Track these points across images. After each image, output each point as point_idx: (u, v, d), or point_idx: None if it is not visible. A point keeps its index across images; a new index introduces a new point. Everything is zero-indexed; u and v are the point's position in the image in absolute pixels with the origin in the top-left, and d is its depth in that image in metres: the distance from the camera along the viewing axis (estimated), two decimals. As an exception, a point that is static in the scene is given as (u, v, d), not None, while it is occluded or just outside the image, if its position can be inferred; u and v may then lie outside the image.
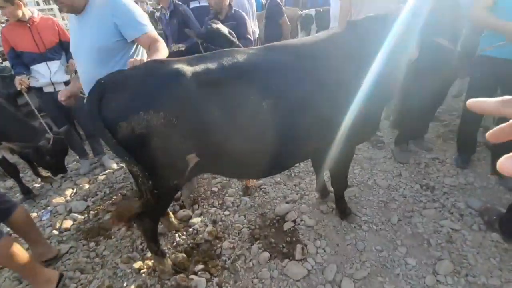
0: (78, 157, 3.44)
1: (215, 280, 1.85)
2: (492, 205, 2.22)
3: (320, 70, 1.53)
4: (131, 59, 1.55)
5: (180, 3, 3.47)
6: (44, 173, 3.16)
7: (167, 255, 1.95)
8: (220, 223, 2.34)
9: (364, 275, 1.80)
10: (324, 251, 2.00)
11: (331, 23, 3.59)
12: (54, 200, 2.82)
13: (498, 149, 2.50)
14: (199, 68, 1.37)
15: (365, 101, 1.54)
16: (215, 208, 2.51)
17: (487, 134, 0.39)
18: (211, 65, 1.39)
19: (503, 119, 0.37)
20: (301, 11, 5.87)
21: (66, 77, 2.96)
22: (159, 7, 3.88)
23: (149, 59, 1.50)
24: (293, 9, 7.24)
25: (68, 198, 2.88)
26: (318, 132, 1.62)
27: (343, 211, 2.22)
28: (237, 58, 1.44)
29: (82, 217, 2.58)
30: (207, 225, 2.32)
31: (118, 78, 1.37)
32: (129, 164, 1.38)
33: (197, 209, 2.52)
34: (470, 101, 0.40)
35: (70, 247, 2.23)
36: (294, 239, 2.12)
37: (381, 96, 1.58)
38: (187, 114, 1.33)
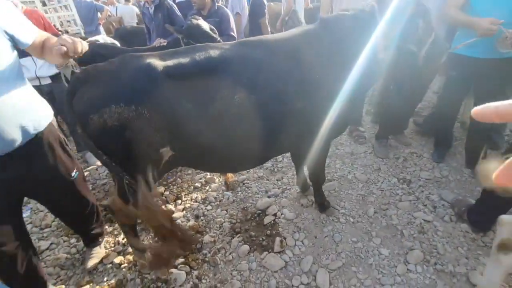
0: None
1: (195, 273, 1.89)
2: (463, 197, 2.32)
3: (291, 65, 1.58)
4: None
5: None
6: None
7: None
8: (202, 217, 2.38)
9: (339, 265, 1.86)
10: (302, 243, 2.06)
11: None
12: (35, 197, 2.79)
13: (472, 141, 2.61)
14: (170, 62, 1.41)
15: (335, 96, 1.60)
16: (198, 203, 2.54)
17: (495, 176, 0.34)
18: (183, 60, 1.43)
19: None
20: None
21: (52, 71, 2.92)
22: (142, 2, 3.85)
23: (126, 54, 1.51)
24: (280, 5, 7.25)
25: (50, 194, 2.85)
26: (291, 126, 1.66)
27: (322, 205, 2.28)
28: (209, 53, 1.47)
29: (64, 213, 2.56)
30: (189, 220, 2.35)
31: (92, 72, 1.40)
32: (99, 158, 1.41)
33: (180, 204, 2.54)
34: (477, 110, 0.35)
35: (51, 244, 2.22)
36: (274, 232, 2.17)
37: (351, 92, 1.64)
38: (158, 107, 1.36)
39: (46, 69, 2.88)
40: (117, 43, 4.18)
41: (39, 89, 2.90)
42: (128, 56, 1.45)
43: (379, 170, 2.80)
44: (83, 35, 6.02)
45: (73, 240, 2.26)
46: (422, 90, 2.94)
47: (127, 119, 1.32)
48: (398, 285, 1.74)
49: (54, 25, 5.46)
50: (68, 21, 6.25)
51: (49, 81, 2.90)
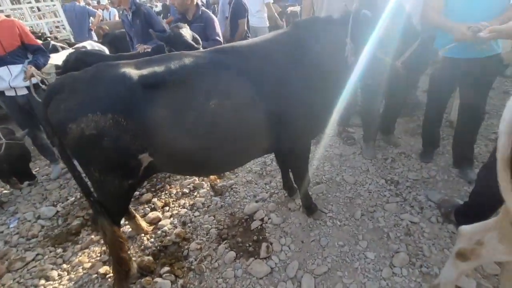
0: (49, 162, 3.38)
1: (180, 281, 1.88)
2: (450, 197, 2.32)
3: (264, 69, 1.60)
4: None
5: (141, 3, 3.43)
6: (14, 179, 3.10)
7: (133, 259, 1.96)
8: (189, 224, 2.37)
9: (324, 270, 1.86)
10: (289, 248, 2.05)
11: None
12: (22, 207, 2.78)
13: (459, 140, 2.61)
14: (145, 71, 1.44)
15: (308, 98, 1.64)
16: (185, 210, 2.53)
17: None
18: (158, 68, 1.46)
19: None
20: (286, 7, 5.92)
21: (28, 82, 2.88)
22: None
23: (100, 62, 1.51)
24: (274, 6, 7.25)
25: (37, 204, 2.83)
26: (268, 128, 1.68)
27: (309, 208, 2.27)
28: (184, 61, 1.50)
29: (51, 223, 2.55)
30: (176, 227, 2.33)
31: (68, 81, 1.44)
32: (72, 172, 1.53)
33: (168, 211, 2.53)
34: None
35: (37, 255, 2.20)
36: (260, 237, 2.16)
37: (324, 92, 1.67)
38: (134, 115, 1.39)
39: (20, 79, 2.78)
40: (106, 49, 4.17)
41: (14, 100, 2.86)
42: (103, 65, 1.48)
43: (368, 171, 2.80)
44: (72, 40, 5.99)
45: (59, 250, 2.24)
46: (404, 91, 2.94)
47: (104, 127, 1.35)
48: (383, 289, 1.74)
49: (43, 33, 5.44)
50: (57, 27, 6.20)
51: (25, 91, 2.83)
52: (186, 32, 2.47)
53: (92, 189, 1.61)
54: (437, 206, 2.27)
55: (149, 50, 2.94)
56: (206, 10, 3.05)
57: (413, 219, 2.18)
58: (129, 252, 2.07)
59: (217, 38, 2.98)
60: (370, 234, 2.11)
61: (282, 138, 1.78)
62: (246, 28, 3.84)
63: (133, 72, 1.42)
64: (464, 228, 1.41)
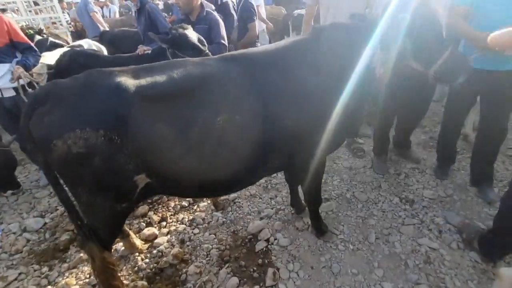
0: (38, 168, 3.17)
1: (177, 312, 1.69)
2: (471, 221, 2.16)
3: (278, 80, 1.43)
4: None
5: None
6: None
7: (125, 282, 1.77)
8: (188, 243, 2.17)
9: (338, 303, 1.68)
10: (298, 275, 1.87)
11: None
12: (7, 217, 2.57)
13: (477, 158, 2.44)
14: (144, 81, 1.25)
15: (328, 111, 1.47)
16: (184, 225, 2.34)
17: None
18: (159, 78, 1.27)
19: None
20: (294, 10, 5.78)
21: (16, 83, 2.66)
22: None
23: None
24: (277, 8, 7.09)
25: (24, 214, 2.63)
26: (281, 145, 1.51)
27: (319, 229, 2.09)
28: (188, 70, 1.32)
29: (37, 236, 2.35)
30: (173, 246, 2.14)
31: (53, 90, 1.24)
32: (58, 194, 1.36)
33: (165, 227, 2.34)
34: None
35: (19, 274, 2.00)
36: (266, 261, 1.97)
37: (346, 106, 1.49)
38: (130, 132, 1.20)
39: (8, 79, 2.54)
40: (103, 48, 3.97)
41: (0, 102, 2.63)
42: (95, 72, 1.28)
43: (380, 188, 2.62)
44: (69, 37, 5.79)
45: (45, 269, 2.04)
46: (428, 102, 2.76)
47: (94, 145, 1.17)
48: (404, 328, 1.56)
49: (40, 28, 5.24)
50: (54, 23, 6.00)
51: (12, 93, 2.61)
52: (191, 33, 2.28)
53: (79, 213, 1.42)
54: (457, 231, 2.10)
55: (149, 52, 2.75)
56: (211, 11, 2.86)
57: (432, 245, 2.01)
58: (121, 274, 1.90)
59: (222, 41, 2.79)
60: (386, 261, 1.93)
61: (297, 154, 1.61)
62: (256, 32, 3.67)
63: (130, 82, 1.23)
64: (506, 271, 1.23)
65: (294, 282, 1.82)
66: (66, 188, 1.38)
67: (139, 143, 1.22)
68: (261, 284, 1.82)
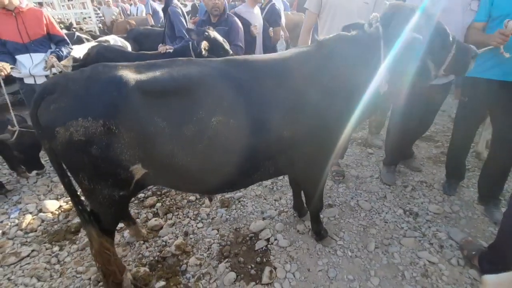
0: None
1: (175, 299, 1.76)
2: (473, 239, 2.13)
3: (278, 91, 1.46)
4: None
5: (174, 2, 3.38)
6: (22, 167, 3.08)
7: (128, 267, 1.86)
8: (191, 235, 2.25)
9: (330, 307, 1.71)
10: (294, 276, 1.90)
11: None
12: (26, 197, 2.74)
13: (488, 177, 2.40)
14: (145, 76, 1.33)
15: (328, 125, 1.51)
16: (188, 219, 2.42)
17: None
18: (160, 74, 1.35)
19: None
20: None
21: (49, 71, 2.88)
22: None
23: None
24: (298, 15, 7.15)
25: (41, 196, 2.79)
26: (279, 153, 1.55)
27: (319, 233, 2.12)
28: (189, 70, 1.39)
29: (52, 217, 2.49)
30: (177, 237, 2.23)
31: (61, 81, 1.33)
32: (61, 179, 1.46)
33: (170, 219, 2.43)
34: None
35: (32, 251, 2.14)
36: (264, 259, 2.02)
37: (342, 120, 1.52)
38: (128, 123, 1.28)
39: (41, 68, 2.79)
40: (128, 45, 4.15)
41: (33, 88, 2.86)
42: (100, 66, 1.37)
43: (385, 198, 2.62)
44: (97, 33, 6.07)
45: (55, 249, 2.17)
46: (431, 115, 2.75)
47: (94, 134, 1.25)
48: (395, 337, 1.57)
49: (70, 23, 5.55)
50: (84, 18, 6.31)
51: (44, 79, 2.83)
52: (218, 36, 2.46)
53: (81, 198, 1.51)
54: (459, 247, 2.08)
55: (171, 51, 2.88)
56: (231, 14, 2.98)
57: (432, 259, 2.00)
58: (125, 260, 1.99)
59: (240, 44, 2.89)
60: (384, 270, 1.94)
61: (296, 163, 1.65)
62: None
63: (131, 76, 1.31)
64: (489, 277, 1.24)
65: (290, 282, 1.86)
66: (69, 174, 1.45)
67: (136, 134, 1.29)
68: (257, 281, 1.87)
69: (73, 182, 1.47)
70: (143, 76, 1.34)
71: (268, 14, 3.77)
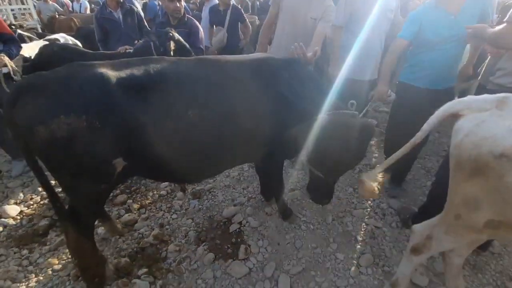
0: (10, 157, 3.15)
1: (159, 282, 1.89)
2: (408, 205, 2.61)
3: (237, 89, 1.67)
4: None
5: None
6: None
7: (108, 260, 1.93)
8: (167, 226, 2.37)
9: (299, 270, 1.99)
10: (266, 250, 2.16)
11: None
12: (-21, 206, 2.57)
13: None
14: (123, 73, 1.42)
15: (273, 127, 1.76)
16: (162, 212, 2.53)
17: None
18: (137, 71, 1.45)
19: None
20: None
21: None
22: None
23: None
24: (251, 17, 7.40)
25: (-3, 203, 2.64)
26: (242, 144, 1.77)
27: (284, 213, 2.41)
28: (163, 67, 1.52)
29: (14, 223, 2.39)
30: (153, 229, 2.33)
31: (35, 81, 1.33)
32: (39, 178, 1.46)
33: (144, 213, 2.51)
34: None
35: (0, 255, 2.07)
36: (239, 240, 2.24)
37: (290, 122, 1.71)
38: (110, 118, 1.35)
39: None
40: (79, 44, 4.02)
41: None
42: (76, 65, 1.42)
43: (338, 180, 3.01)
44: (39, 30, 5.65)
45: (25, 252, 2.12)
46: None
47: (77, 130, 1.28)
48: (351, 287, 1.91)
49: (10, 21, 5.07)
50: (23, 15, 5.81)
51: None
52: (180, 38, 2.58)
53: (59, 196, 1.55)
54: (397, 213, 2.53)
55: (131, 50, 2.92)
56: (190, 17, 3.11)
57: (377, 224, 2.41)
58: (103, 254, 2.04)
59: (201, 46, 3.05)
60: (340, 237, 2.29)
61: (254, 154, 1.95)
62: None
63: (111, 74, 1.39)
64: (416, 226, 1.64)
65: (263, 255, 2.11)
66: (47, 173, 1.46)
67: (117, 129, 1.37)
68: (234, 258, 2.08)
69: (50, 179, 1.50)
70: (122, 73, 1.42)
71: (233, 15, 3.99)
